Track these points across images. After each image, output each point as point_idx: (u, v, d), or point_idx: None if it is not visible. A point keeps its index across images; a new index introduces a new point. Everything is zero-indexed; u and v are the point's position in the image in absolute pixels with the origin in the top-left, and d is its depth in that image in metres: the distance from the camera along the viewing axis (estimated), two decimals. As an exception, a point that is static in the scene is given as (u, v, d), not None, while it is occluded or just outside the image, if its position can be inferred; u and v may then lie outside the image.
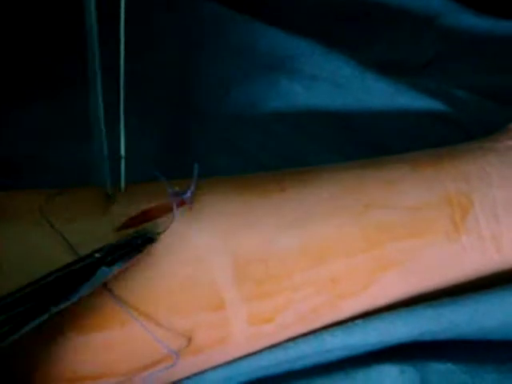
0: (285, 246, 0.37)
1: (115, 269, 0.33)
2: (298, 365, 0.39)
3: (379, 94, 0.51)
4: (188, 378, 0.38)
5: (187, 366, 0.37)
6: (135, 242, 0.35)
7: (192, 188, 0.37)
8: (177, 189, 0.37)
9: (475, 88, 0.53)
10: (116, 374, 0.36)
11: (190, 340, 0.36)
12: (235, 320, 0.36)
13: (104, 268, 0.33)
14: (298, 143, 0.50)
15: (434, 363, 0.38)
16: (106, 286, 0.34)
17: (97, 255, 0.33)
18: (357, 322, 0.38)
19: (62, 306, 0.32)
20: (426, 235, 0.38)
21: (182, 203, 0.37)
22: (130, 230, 0.36)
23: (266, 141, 0.50)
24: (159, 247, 0.36)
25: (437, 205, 0.39)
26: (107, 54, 0.36)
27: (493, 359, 0.39)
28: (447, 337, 0.39)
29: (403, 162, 0.41)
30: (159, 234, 0.36)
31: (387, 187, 0.39)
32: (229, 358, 0.38)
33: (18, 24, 0.54)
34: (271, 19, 0.56)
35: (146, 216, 0.37)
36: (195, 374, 0.38)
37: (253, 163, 0.49)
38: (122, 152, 0.37)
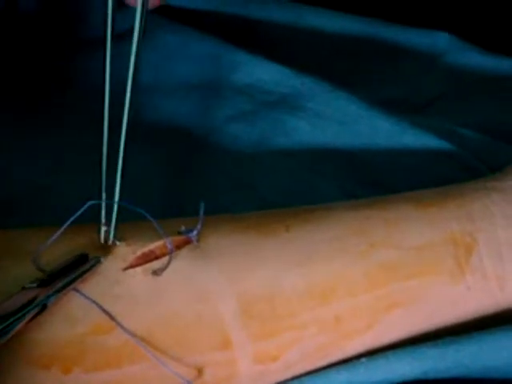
0: (290, 285, 0.37)
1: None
2: (304, 402, 0.39)
3: (384, 132, 0.51)
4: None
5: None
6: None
7: (198, 227, 0.37)
8: (183, 227, 0.37)
9: (480, 126, 0.53)
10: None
11: (199, 374, 0.36)
12: (241, 359, 0.37)
13: None
14: (303, 180, 0.50)
15: None
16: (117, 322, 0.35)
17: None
18: (362, 360, 0.38)
19: None
20: (430, 275, 0.38)
21: (188, 242, 0.38)
22: (138, 269, 0.36)
23: (270, 177, 0.50)
24: (165, 286, 0.36)
25: (441, 244, 0.39)
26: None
27: None
28: (451, 375, 0.39)
29: (407, 201, 0.41)
30: (162, 271, 0.36)
31: (391, 227, 0.39)
32: (235, 395, 0.38)
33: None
34: (272, 55, 0.56)
35: (153, 255, 0.37)
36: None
37: (257, 199, 0.49)
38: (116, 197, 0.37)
